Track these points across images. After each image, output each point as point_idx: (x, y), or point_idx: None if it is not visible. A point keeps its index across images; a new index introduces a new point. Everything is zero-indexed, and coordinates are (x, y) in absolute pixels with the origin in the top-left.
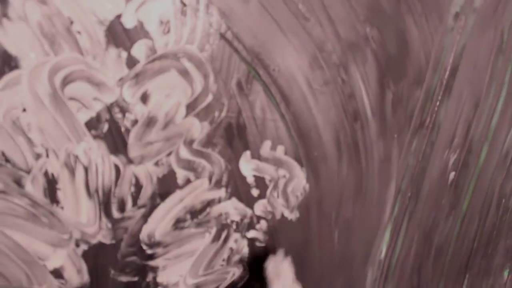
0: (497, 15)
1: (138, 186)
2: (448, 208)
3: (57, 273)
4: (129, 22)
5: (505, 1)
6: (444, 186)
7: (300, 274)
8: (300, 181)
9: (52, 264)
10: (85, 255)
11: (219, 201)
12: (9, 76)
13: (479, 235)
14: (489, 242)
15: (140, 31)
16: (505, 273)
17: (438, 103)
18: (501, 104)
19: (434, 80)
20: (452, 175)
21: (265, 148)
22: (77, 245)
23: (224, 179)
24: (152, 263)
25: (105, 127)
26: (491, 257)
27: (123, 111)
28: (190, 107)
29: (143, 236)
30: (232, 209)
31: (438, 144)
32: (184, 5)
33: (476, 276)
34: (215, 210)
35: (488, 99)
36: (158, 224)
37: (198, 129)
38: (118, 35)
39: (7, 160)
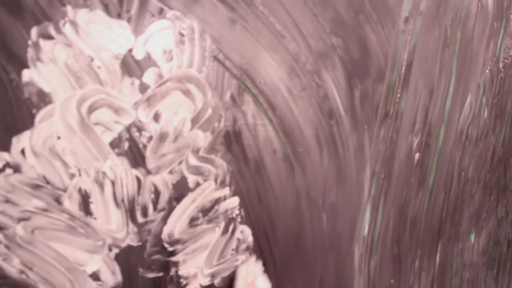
0: (439, 15)
1: (157, 193)
2: (417, 185)
3: (95, 276)
4: (139, 54)
5: (445, 3)
6: (411, 166)
7: (297, 255)
8: None
9: (90, 269)
10: (117, 258)
11: (225, 198)
12: (45, 110)
13: (446, 205)
14: (455, 211)
15: (149, 61)
16: (472, 237)
17: (398, 95)
18: (452, 90)
19: (393, 76)
20: (417, 156)
21: None
22: (110, 249)
23: (227, 179)
24: (173, 258)
25: (126, 145)
26: (459, 224)
27: (140, 130)
28: (194, 121)
29: (164, 235)
30: (236, 204)
31: (402, 130)
32: (182, 35)
33: (447, 242)
34: (222, 206)
35: (440, 86)
36: (176, 224)
37: (202, 139)
38: (131, 66)
39: (47, 182)
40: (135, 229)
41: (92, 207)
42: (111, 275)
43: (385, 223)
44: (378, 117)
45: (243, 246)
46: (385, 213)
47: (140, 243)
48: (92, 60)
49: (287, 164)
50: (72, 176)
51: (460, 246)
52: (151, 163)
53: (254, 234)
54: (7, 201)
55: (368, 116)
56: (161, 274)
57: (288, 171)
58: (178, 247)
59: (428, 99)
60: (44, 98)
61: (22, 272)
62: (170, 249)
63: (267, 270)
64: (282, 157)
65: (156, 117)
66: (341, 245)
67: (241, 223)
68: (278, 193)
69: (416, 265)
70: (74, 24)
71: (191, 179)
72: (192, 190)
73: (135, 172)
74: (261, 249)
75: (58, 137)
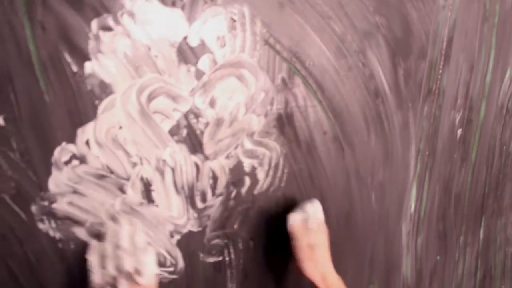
0: None
1: (214, 178)
2: (460, 161)
3: (160, 263)
4: (193, 41)
5: None
6: (454, 142)
7: (348, 235)
8: None
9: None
10: (179, 244)
11: None
12: (106, 101)
13: (488, 180)
14: (498, 185)
15: (203, 47)
16: None
17: (440, 71)
18: (491, 64)
19: (435, 52)
20: (459, 131)
21: None
22: (172, 236)
23: (281, 162)
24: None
25: (184, 132)
26: (501, 198)
27: (197, 116)
28: (248, 105)
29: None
30: None
31: (444, 106)
32: (234, 21)
33: (491, 217)
34: None
35: (480, 61)
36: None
37: (256, 122)
38: (186, 53)
39: (111, 172)
40: (195, 215)
41: (154, 194)
42: (174, 260)
43: (430, 200)
44: (421, 94)
45: None
46: (431, 190)
47: (200, 229)
48: (149, 49)
49: (337, 145)
50: (134, 165)
51: (503, 221)
52: (208, 149)
53: None
54: (75, 192)
55: (412, 93)
56: (220, 258)
57: (338, 152)
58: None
59: (469, 74)
60: (105, 89)
61: None
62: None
63: None
64: (332, 138)
65: (212, 103)
66: (389, 223)
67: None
68: (329, 174)
69: (461, 241)
70: (131, 14)
71: (247, 163)
72: (248, 174)
73: (193, 158)
74: None
75: (120, 127)
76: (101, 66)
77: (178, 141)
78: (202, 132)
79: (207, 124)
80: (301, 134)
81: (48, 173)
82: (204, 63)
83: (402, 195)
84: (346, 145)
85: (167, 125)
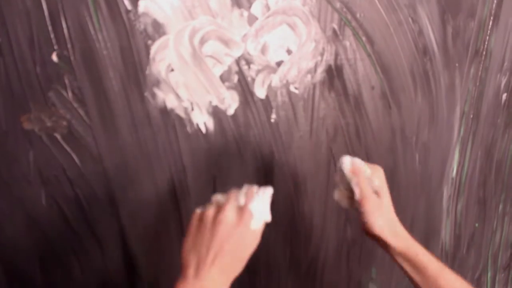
0: None
1: None
2: (503, 126)
3: None
4: None
5: None
6: (498, 107)
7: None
8: None
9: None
10: None
11: None
12: (159, 41)
13: None
14: None
15: None
16: None
17: (489, 32)
18: None
19: (484, 12)
20: (504, 96)
21: None
22: None
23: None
24: None
25: (235, 78)
26: None
27: (248, 63)
28: (298, 54)
29: None
30: None
31: (491, 69)
32: None
33: None
34: None
35: None
36: None
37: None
38: None
39: None
40: None
41: None
42: None
43: (472, 164)
44: (468, 55)
45: None
46: (473, 154)
47: None
48: None
49: (384, 101)
50: (185, 109)
51: None
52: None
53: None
54: None
55: (459, 53)
56: None
57: (385, 109)
58: None
59: None
60: (158, 29)
61: None
62: None
63: None
64: (379, 94)
65: (264, 50)
66: (432, 186)
67: None
68: (375, 130)
69: (499, 209)
70: None
71: None
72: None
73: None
74: None
75: (172, 69)
76: (155, 5)
77: (229, 88)
78: (253, 80)
79: (258, 71)
80: (349, 88)
81: None
82: (257, 8)
83: (445, 158)
84: (393, 102)
85: (218, 70)
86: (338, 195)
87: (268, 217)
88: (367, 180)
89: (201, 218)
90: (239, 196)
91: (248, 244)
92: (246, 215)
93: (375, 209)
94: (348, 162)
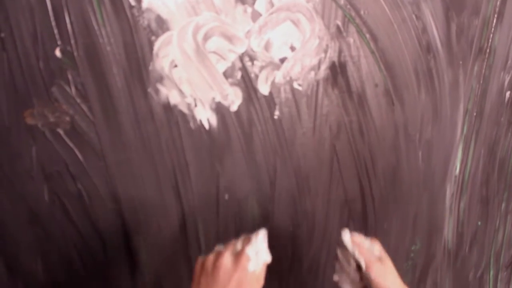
0: None
1: None
2: (507, 124)
3: None
4: None
5: None
6: (502, 105)
7: (393, 191)
8: None
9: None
10: None
11: None
12: (163, 37)
13: None
14: None
15: None
16: None
17: (493, 29)
18: None
19: (488, 9)
20: (508, 94)
21: None
22: None
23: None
24: None
25: (239, 74)
26: None
27: (252, 59)
28: (302, 51)
29: None
30: None
31: (494, 66)
32: None
33: None
34: None
35: None
36: None
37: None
38: None
39: None
40: None
41: None
42: None
43: (475, 163)
44: (472, 52)
45: None
46: (476, 152)
47: None
48: None
49: (387, 98)
50: (188, 106)
51: None
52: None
53: (356, 168)
54: None
55: (463, 51)
56: None
57: (389, 106)
58: None
59: None
60: (162, 25)
61: None
62: None
63: (366, 205)
64: (383, 91)
65: (267, 46)
66: (435, 183)
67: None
68: (378, 127)
69: (502, 207)
70: None
71: None
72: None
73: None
74: (361, 183)
75: (175, 65)
76: (158, 1)
77: (232, 84)
78: (256, 76)
79: (262, 67)
80: (353, 85)
81: None
82: (261, 4)
83: (449, 156)
84: (397, 99)
85: (222, 67)
86: (339, 277)
87: (267, 258)
88: (369, 250)
89: (203, 265)
90: (237, 243)
91: (248, 286)
92: (244, 259)
93: (382, 274)
94: (347, 234)
